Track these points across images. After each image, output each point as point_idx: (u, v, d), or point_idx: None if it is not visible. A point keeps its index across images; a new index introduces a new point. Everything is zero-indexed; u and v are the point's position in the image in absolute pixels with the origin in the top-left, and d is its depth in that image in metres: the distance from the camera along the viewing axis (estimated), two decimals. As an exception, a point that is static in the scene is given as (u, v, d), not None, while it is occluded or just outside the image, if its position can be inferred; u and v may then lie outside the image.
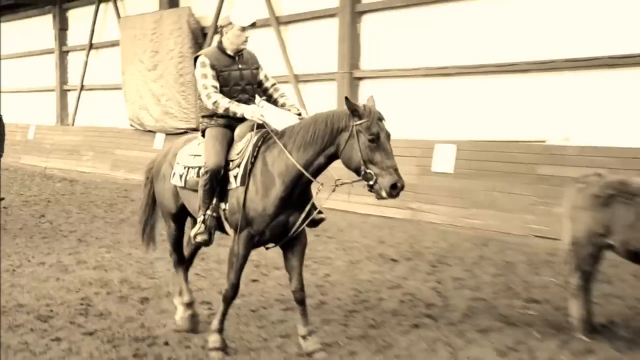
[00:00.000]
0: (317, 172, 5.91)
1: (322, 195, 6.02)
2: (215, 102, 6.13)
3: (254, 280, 8.61)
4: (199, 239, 6.16)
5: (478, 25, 12.42)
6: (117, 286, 8.35)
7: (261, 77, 6.61)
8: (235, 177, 6.03)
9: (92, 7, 22.28)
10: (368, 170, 5.58)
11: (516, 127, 11.85)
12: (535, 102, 11.57)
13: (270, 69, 17.81)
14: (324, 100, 15.13)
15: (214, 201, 6.12)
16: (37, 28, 25.11)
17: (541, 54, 11.52)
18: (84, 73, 22.85)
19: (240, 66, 6.40)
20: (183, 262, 7.09)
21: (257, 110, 6.09)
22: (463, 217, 11.41)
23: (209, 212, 6.11)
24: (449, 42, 12.86)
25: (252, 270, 9.11)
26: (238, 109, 6.11)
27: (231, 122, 6.27)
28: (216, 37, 17.92)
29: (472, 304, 7.54)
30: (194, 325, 6.74)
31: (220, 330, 6.19)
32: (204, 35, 18.17)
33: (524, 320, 6.95)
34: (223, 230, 6.27)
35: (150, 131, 19.34)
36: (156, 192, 7.03)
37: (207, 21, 18.05)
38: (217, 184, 6.07)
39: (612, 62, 10.74)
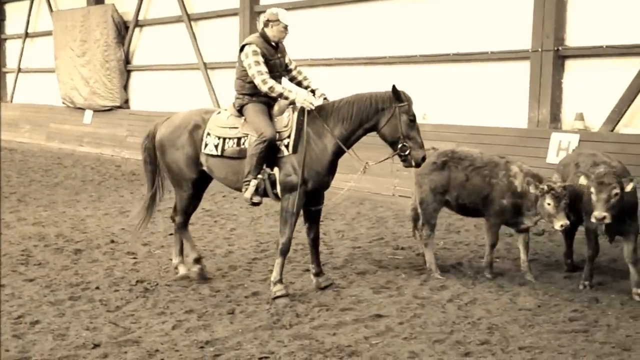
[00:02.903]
0: (354, 142, 5.98)
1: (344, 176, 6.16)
2: (271, 87, 5.84)
3: (172, 234, 8.28)
4: (256, 200, 5.91)
5: (354, 26, 12.38)
6: (54, 239, 7.99)
7: (286, 61, 6.31)
8: (287, 146, 5.85)
9: (27, 2, 21.17)
10: (406, 144, 5.77)
11: (384, 108, 11.89)
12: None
13: (183, 58, 17.40)
14: (229, 84, 14.81)
15: (264, 167, 5.87)
16: (-23, 19, 23.65)
17: (404, 50, 11.60)
18: (21, 58, 21.75)
19: (279, 55, 6.14)
20: (187, 225, 6.64)
21: (308, 98, 5.90)
22: (344, 182, 11.39)
23: (260, 176, 5.85)
24: (331, 38, 12.78)
25: (170, 226, 8.82)
26: (290, 94, 5.87)
27: (268, 100, 6.00)
28: (137, 30, 17.49)
29: (352, 251, 7.54)
30: (204, 275, 6.45)
31: (281, 280, 5.92)
32: (126, 28, 17.59)
33: (393, 264, 7.01)
34: (265, 194, 5.97)
35: (80, 108, 18.63)
36: (169, 162, 6.38)
37: (129, 16, 17.42)
38: (269, 150, 5.82)
39: (457, 58, 10.93)
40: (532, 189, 6.15)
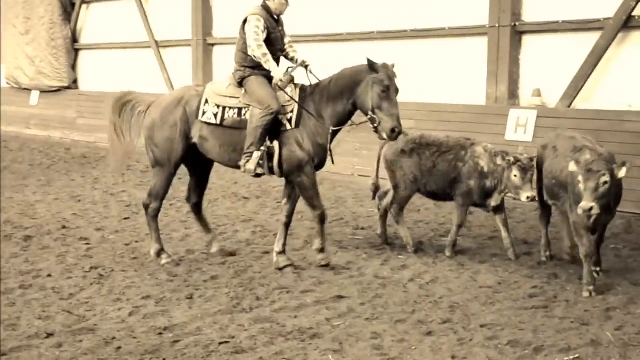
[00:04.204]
0: (348, 118, 6.13)
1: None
2: (265, 55, 5.95)
3: (126, 218, 8.26)
4: (260, 171, 6.03)
5: (309, 2, 12.30)
6: (1, 226, 7.72)
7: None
8: (290, 120, 5.99)
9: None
10: (374, 116, 5.82)
11: (342, 86, 11.89)
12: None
13: (133, 36, 17.04)
14: (181, 63, 14.68)
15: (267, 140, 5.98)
16: None
17: (360, 27, 11.60)
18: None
19: (280, 28, 6.25)
20: (159, 212, 6.58)
21: (279, 77, 5.99)
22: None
23: (263, 148, 5.94)
24: (285, 14, 12.66)
25: (124, 209, 8.74)
26: (274, 69, 6.00)
27: (269, 73, 6.10)
28: (84, 7, 17.06)
29: (311, 232, 7.47)
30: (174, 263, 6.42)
31: (323, 249, 6.25)
32: (72, 4, 17.17)
33: (354, 245, 7.05)
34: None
35: (25, 89, 18.13)
36: (158, 140, 6.31)
37: (76, -8, 17.02)
38: (272, 124, 5.94)
39: (414, 35, 10.98)
40: (499, 161, 6.21)
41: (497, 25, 9.81)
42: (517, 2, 9.72)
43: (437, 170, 6.59)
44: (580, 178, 5.31)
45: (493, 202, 6.52)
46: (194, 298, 5.48)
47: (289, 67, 6.18)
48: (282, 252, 6.27)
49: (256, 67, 6.08)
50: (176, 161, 6.35)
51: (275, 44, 6.17)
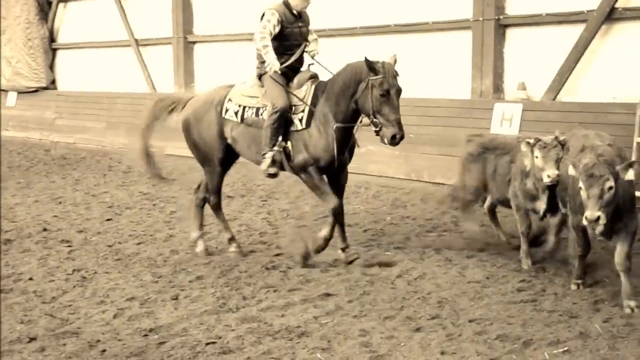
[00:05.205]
0: (354, 116, 6.02)
1: None
2: (265, 46, 6.01)
3: (108, 220, 8.22)
4: (272, 171, 6.08)
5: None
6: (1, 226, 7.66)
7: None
8: (301, 120, 6.00)
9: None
10: (376, 120, 5.79)
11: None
12: (340, 60, 11.61)
13: (112, 34, 16.90)
14: (162, 61, 14.61)
15: (279, 139, 5.97)
16: None
17: (344, 22, 11.59)
18: None
19: (300, 24, 6.23)
20: (221, 204, 6.82)
21: (275, 69, 6.01)
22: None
23: (276, 148, 5.96)
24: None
25: (106, 211, 8.69)
26: (271, 60, 5.99)
27: (287, 71, 6.21)
28: (61, 5, 16.93)
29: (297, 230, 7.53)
30: (242, 252, 6.60)
31: (330, 237, 6.27)
32: (49, 3, 17.04)
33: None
34: (282, 168, 6.14)
35: (2, 90, 17.94)
36: (196, 141, 6.59)
37: (52, -10, 16.88)
38: (283, 122, 5.95)
39: (398, 29, 10.99)
40: (523, 147, 5.82)
41: (480, 19, 9.85)
42: (500, -5, 9.78)
43: (497, 175, 6.28)
44: (581, 185, 4.79)
45: (542, 204, 5.95)
46: (180, 299, 5.47)
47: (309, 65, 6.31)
48: (346, 247, 6.39)
49: None
50: (219, 160, 6.51)
51: (290, 38, 6.21)
